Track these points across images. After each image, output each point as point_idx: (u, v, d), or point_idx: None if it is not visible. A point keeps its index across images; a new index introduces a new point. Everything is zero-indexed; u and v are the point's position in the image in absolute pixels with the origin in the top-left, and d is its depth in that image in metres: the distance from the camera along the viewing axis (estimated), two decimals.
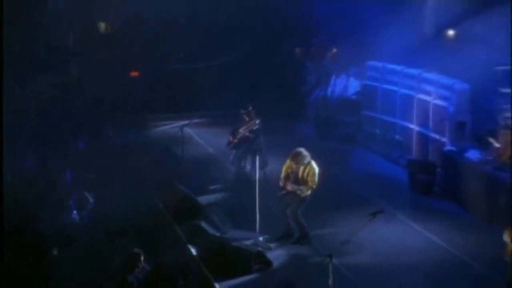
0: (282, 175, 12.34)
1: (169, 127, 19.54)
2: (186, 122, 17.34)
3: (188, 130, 17.58)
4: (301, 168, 12.06)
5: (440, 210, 13.89)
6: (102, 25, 21.34)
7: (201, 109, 19.42)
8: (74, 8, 21.01)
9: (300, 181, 12.03)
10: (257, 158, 12.71)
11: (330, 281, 8.92)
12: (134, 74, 20.41)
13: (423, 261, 11.59)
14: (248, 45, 21.09)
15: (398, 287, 10.84)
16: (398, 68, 17.44)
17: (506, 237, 9.54)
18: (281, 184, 12.35)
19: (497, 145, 13.50)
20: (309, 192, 12.24)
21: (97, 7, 20.36)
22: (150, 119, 19.95)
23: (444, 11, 19.01)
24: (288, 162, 12.40)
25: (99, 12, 20.42)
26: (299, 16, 21.02)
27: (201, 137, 18.04)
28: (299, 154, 12.11)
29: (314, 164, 12.11)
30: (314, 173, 12.02)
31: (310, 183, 12.01)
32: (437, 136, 15.54)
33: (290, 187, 12.18)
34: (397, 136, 17.10)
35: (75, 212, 12.15)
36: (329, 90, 19.99)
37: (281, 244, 12.44)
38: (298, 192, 12.07)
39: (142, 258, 10.17)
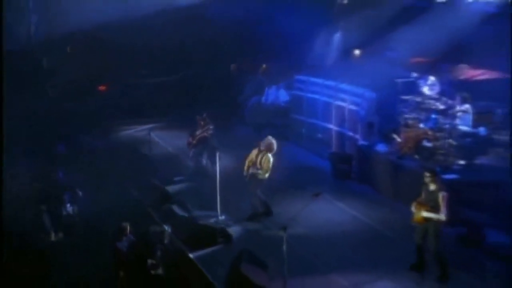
0: (246, 166, 12.59)
1: (134, 130, 19.11)
2: (151, 126, 17.21)
3: (150, 133, 17.12)
4: (259, 156, 12.40)
5: (357, 192, 14.23)
6: (71, 48, 20.62)
7: (160, 115, 18.98)
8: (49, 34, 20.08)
9: (258, 166, 12.35)
10: (217, 154, 12.74)
11: (284, 247, 9.02)
12: (102, 88, 19.73)
13: (348, 230, 12.16)
14: (198, 63, 20.77)
15: (331, 251, 11.19)
16: (319, 80, 17.42)
17: (413, 208, 10.05)
18: (245, 173, 12.61)
19: (398, 139, 13.91)
20: (266, 175, 12.42)
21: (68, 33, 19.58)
22: (119, 124, 19.22)
23: (353, 36, 19.30)
24: (251, 155, 12.62)
25: (72, 36, 19.75)
26: (237, 40, 20.94)
27: (160, 138, 17.65)
28: (268, 143, 12.49)
29: (269, 154, 12.41)
30: (269, 160, 12.34)
31: (265, 167, 12.30)
32: (351, 134, 15.68)
33: (251, 170, 12.41)
34: (320, 135, 17.02)
35: (68, 205, 12.23)
36: (263, 99, 19.75)
37: (238, 221, 12.51)
38: (256, 174, 12.35)
39: (128, 229, 10.47)
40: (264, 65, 21.29)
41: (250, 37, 20.73)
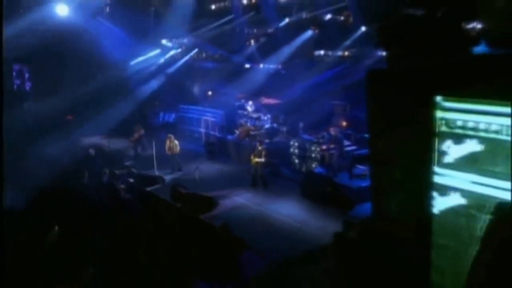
0: (167, 148, 13.54)
1: (94, 139, 18.22)
2: (101, 135, 16.99)
3: (101, 140, 17.10)
4: (171, 143, 13.59)
5: (220, 159, 15.08)
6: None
7: (105, 130, 17.63)
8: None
9: (173, 149, 13.66)
10: (153, 143, 13.38)
11: (197, 177, 11.15)
12: (69, 117, 18.34)
13: (218, 174, 13.52)
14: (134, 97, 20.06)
15: (214, 183, 12.29)
16: (193, 107, 18.30)
17: (251, 157, 12.23)
18: (167, 151, 13.63)
19: (237, 132, 15.40)
20: (177, 151, 13.60)
21: None
22: (83, 135, 18.09)
23: (203, 84, 20.74)
24: (167, 143, 13.52)
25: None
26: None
27: (109, 142, 16.77)
28: (170, 137, 13.69)
29: (175, 141, 13.63)
30: (176, 144, 13.59)
31: (175, 147, 13.57)
32: (213, 132, 16.70)
33: (169, 151, 13.62)
34: (196, 135, 17.56)
35: (85, 178, 12.41)
36: (160, 119, 20.00)
37: (166, 174, 13.24)
38: (173, 151, 13.58)
39: (107, 172, 11.49)
40: (156, 102, 21.61)
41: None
